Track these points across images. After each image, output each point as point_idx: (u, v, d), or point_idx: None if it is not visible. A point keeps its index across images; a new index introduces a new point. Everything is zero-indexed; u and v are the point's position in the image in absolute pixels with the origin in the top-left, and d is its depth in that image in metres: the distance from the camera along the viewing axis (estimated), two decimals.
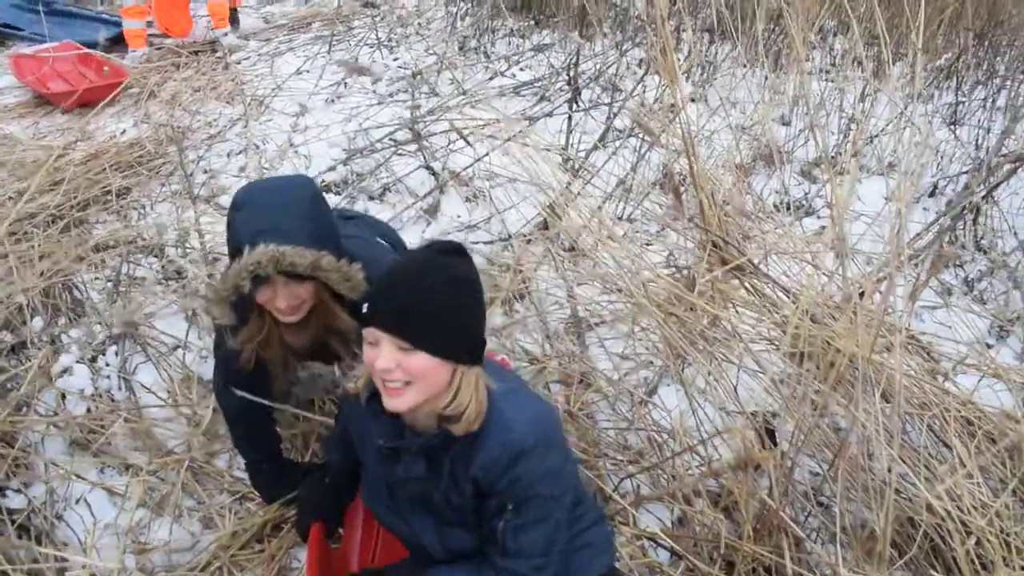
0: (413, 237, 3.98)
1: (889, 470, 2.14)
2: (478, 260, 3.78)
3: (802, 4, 3.69)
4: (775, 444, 2.58)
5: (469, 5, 6.97)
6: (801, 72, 3.66)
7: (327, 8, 7.55)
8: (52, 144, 4.71)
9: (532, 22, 6.91)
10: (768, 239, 3.52)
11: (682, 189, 3.59)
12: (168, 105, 5.42)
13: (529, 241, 3.95)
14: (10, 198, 4.00)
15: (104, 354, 3.19)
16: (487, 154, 4.29)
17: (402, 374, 1.68)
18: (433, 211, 4.20)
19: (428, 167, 4.49)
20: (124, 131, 5.03)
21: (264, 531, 2.56)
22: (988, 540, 2.21)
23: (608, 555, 2.09)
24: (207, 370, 3.11)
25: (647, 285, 3.03)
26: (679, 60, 3.65)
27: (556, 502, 1.84)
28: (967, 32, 5.43)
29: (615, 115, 4.60)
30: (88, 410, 2.95)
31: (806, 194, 4.51)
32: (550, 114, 4.94)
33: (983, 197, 4.02)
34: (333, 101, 5.49)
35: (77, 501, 2.61)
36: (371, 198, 4.32)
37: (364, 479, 2.11)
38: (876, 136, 4.83)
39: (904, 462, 2.35)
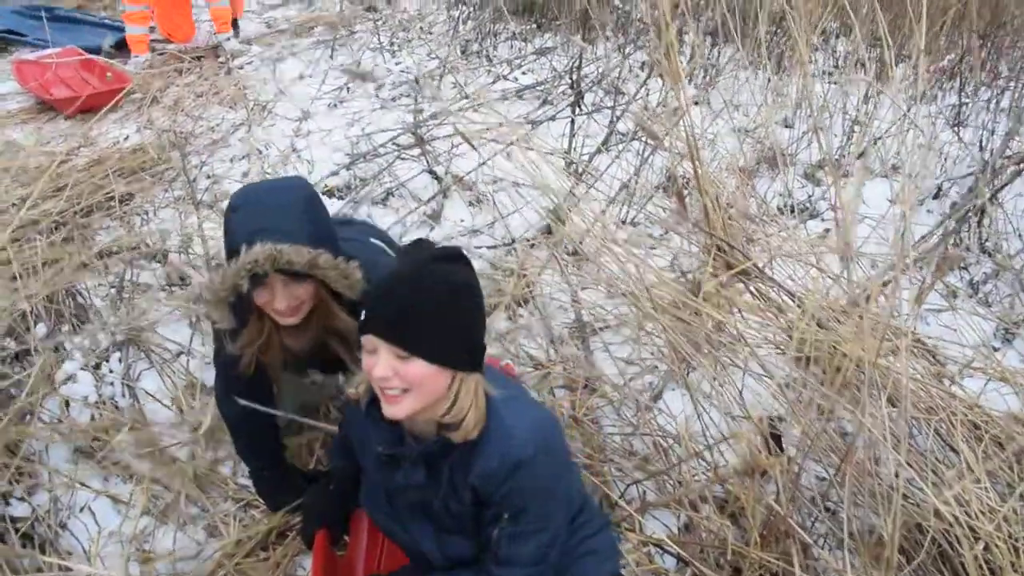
0: None
1: (896, 475, 2.13)
2: (482, 265, 3.78)
3: (805, 7, 3.68)
4: (781, 449, 2.57)
5: (471, 9, 6.97)
6: (804, 74, 3.65)
7: (329, 13, 7.56)
8: (55, 150, 4.71)
9: (534, 25, 6.91)
10: (772, 242, 3.51)
11: (685, 193, 3.58)
12: (171, 110, 5.42)
13: (533, 245, 3.94)
14: (13, 204, 4.00)
15: (108, 361, 3.19)
16: (489, 160, 4.28)
17: (400, 381, 1.67)
18: (436, 216, 4.19)
19: (431, 171, 4.48)
20: (127, 137, 5.03)
21: (269, 539, 2.55)
22: (996, 545, 2.20)
23: (613, 561, 2.08)
24: (210, 376, 3.10)
25: (651, 289, 3.02)
26: (682, 63, 3.65)
27: (552, 512, 1.83)
28: (971, 33, 5.41)
29: (618, 119, 4.59)
30: (92, 417, 2.94)
31: (810, 197, 4.50)
32: (553, 118, 4.93)
33: (989, 199, 4.01)
34: (336, 106, 5.49)
35: (81, 509, 2.61)
36: (374, 203, 4.32)
37: (363, 485, 2.10)
38: (880, 138, 4.82)
39: (911, 467, 2.34)
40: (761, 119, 5.02)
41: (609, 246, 3.34)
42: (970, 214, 3.99)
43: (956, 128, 5.05)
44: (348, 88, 5.76)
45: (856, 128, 4.90)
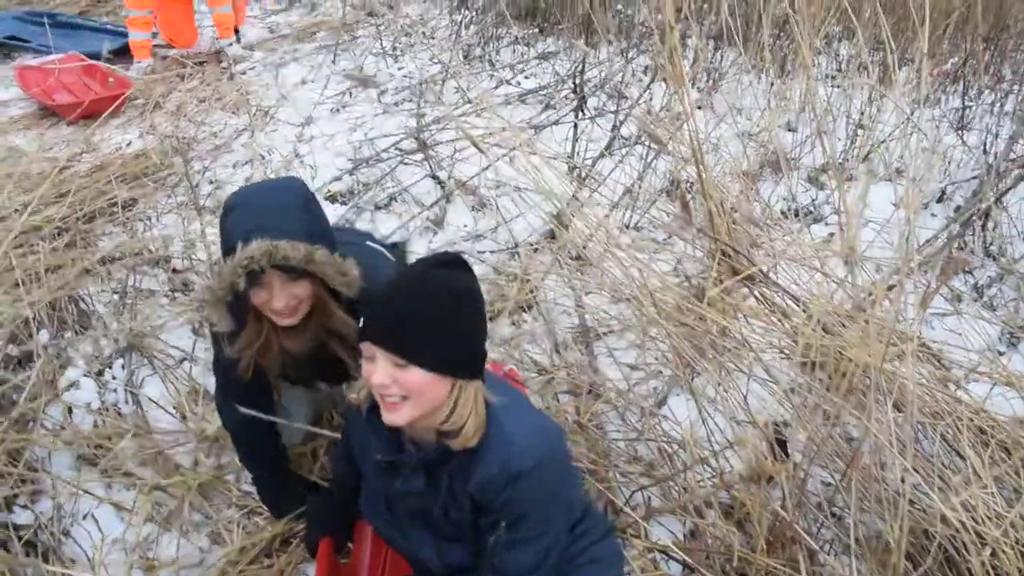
0: (420, 247, 3.98)
1: (902, 480, 2.12)
2: (485, 270, 3.77)
3: (808, 10, 3.68)
4: (787, 455, 2.56)
5: (473, 14, 6.97)
6: (808, 78, 3.64)
7: (332, 18, 7.56)
8: (57, 156, 4.71)
9: (537, 30, 6.91)
10: (776, 246, 3.50)
11: (689, 196, 3.57)
12: (173, 116, 5.42)
13: (536, 250, 3.93)
14: (16, 210, 3.99)
15: (111, 367, 3.18)
16: (492, 164, 4.27)
17: (398, 389, 1.66)
18: (439, 221, 4.19)
19: (434, 177, 4.48)
20: (130, 142, 5.03)
21: (273, 546, 2.53)
22: (1003, 551, 2.19)
23: (617, 568, 2.07)
24: (213, 382, 3.10)
25: (655, 295, 3.01)
26: (685, 67, 3.64)
27: (552, 520, 1.82)
28: (975, 37, 5.40)
29: (621, 123, 4.58)
30: (95, 424, 2.94)
31: (813, 200, 4.49)
32: (556, 122, 4.93)
33: (995, 201, 4.00)
34: (338, 111, 5.49)
35: (84, 517, 2.60)
36: (377, 208, 4.31)
37: (363, 491, 2.09)
38: (883, 142, 4.81)
39: (917, 472, 2.33)
40: (764, 123, 5.01)
41: (613, 251, 3.34)
42: (974, 218, 3.98)
43: (960, 132, 5.04)
44: (351, 93, 5.76)
45: (860, 132, 4.89)
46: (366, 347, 1.68)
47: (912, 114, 4.22)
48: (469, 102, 5.27)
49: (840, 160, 4.74)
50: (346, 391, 2.73)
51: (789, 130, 5.15)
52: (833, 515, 2.49)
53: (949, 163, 4.76)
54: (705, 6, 6.09)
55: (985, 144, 4.75)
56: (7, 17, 6.93)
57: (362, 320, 1.70)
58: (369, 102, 5.63)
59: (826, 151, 4.36)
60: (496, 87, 5.80)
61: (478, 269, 2.38)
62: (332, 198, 4.40)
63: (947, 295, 3.74)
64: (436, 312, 1.66)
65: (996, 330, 3.55)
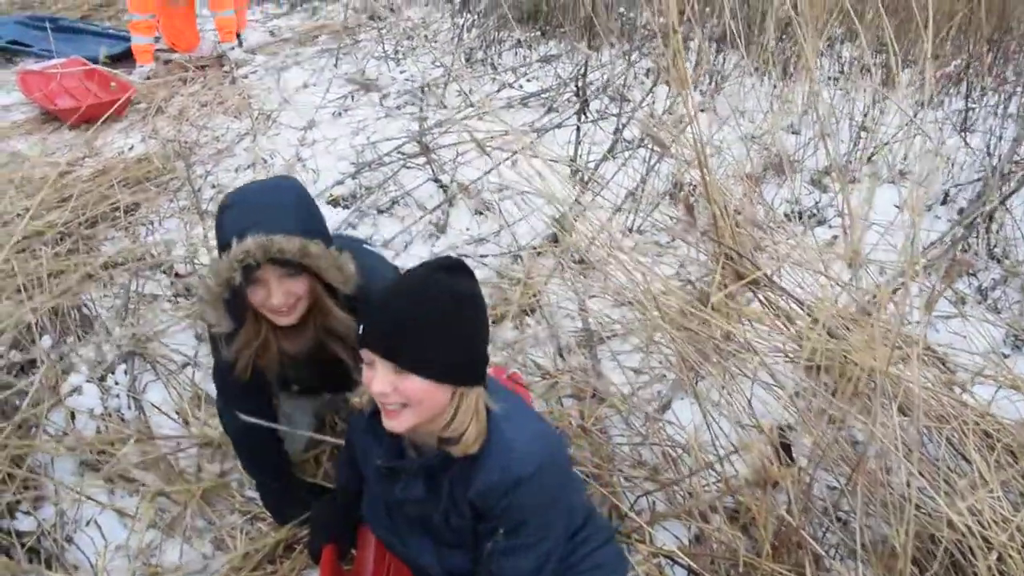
0: (423, 251, 3.97)
1: (908, 485, 2.11)
2: (488, 273, 3.76)
3: (811, 13, 3.67)
4: (791, 459, 2.55)
5: (475, 17, 6.97)
6: (811, 80, 3.64)
7: (334, 21, 7.56)
8: (59, 160, 4.71)
9: (539, 33, 6.91)
10: (780, 250, 3.49)
11: (692, 200, 3.57)
12: (175, 120, 5.42)
13: (539, 254, 3.93)
14: (18, 215, 3.99)
15: (113, 373, 3.18)
16: (494, 168, 4.27)
17: (398, 397, 1.65)
18: (442, 225, 4.18)
19: (437, 180, 4.47)
20: (132, 147, 5.03)
21: (276, 552, 2.53)
22: (1010, 556, 2.18)
23: (620, 573, 2.07)
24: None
25: (659, 298, 3.00)
26: (688, 69, 3.64)
27: (550, 527, 1.81)
28: (979, 38, 5.39)
29: (624, 126, 4.58)
30: (98, 430, 2.93)
31: (817, 203, 4.48)
32: (559, 125, 4.92)
33: (1000, 203, 3.99)
34: (340, 114, 5.49)
35: (87, 523, 2.59)
36: (380, 212, 4.31)
37: (364, 497, 2.09)
38: (887, 144, 4.80)
39: (923, 476, 2.32)
40: (767, 125, 5.00)
41: (616, 254, 3.33)
42: (978, 220, 3.97)
43: (963, 133, 5.02)
44: (353, 97, 5.75)
45: (863, 134, 4.88)
46: (366, 353, 1.67)
47: (915, 116, 4.21)
48: (471, 105, 5.27)
49: (843, 162, 4.73)
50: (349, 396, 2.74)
51: (791, 132, 5.14)
52: (839, 520, 2.48)
53: (952, 165, 4.75)
54: (707, 9, 6.07)
55: (989, 146, 4.74)
56: (9, 22, 6.94)
57: (361, 326, 1.69)
58: (371, 106, 5.62)
59: (829, 153, 4.35)
60: (498, 90, 5.79)
61: (481, 273, 2.38)
62: (334, 202, 4.39)
63: (951, 298, 3.73)
64: (437, 318, 1.64)
65: (1001, 333, 3.54)
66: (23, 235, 3.76)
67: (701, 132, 2.98)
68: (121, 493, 2.71)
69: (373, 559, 2.30)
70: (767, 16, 4.86)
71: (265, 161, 4.80)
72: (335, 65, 6.34)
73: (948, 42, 5.64)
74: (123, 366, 3.20)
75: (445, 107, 5.43)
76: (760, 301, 3.02)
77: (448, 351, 1.65)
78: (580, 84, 5.00)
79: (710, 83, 5.71)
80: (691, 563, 2.40)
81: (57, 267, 3.68)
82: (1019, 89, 5.41)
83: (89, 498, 2.65)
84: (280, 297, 2.02)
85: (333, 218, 4.17)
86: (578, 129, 4.62)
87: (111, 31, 7.11)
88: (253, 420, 2.26)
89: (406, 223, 4.17)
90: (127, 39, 6.46)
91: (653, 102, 4.82)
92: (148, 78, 6.17)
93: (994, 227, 4.10)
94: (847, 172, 4.63)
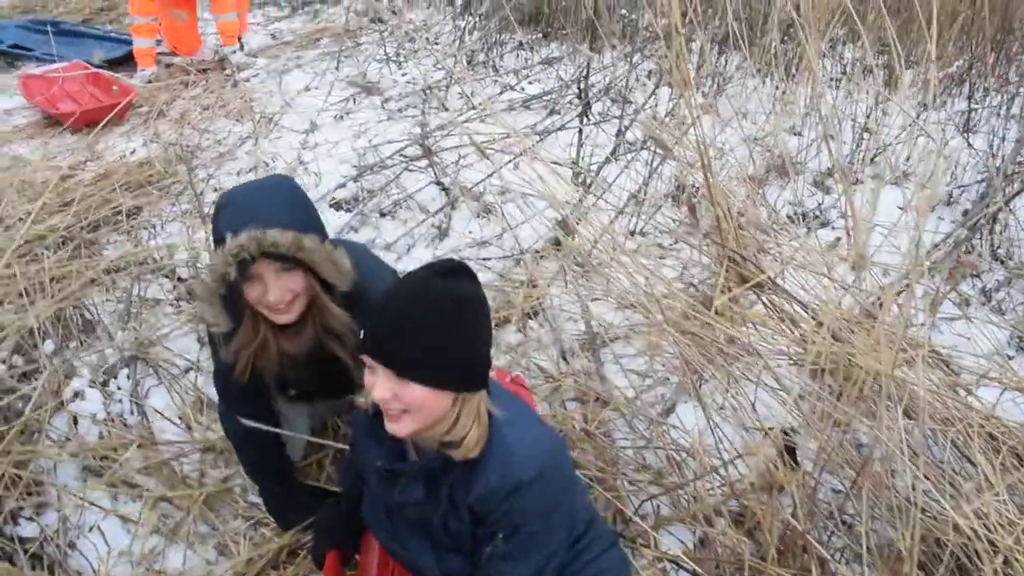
0: (425, 254, 3.97)
1: (913, 488, 2.10)
2: (490, 277, 3.75)
3: (813, 14, 3.66)
4: (796, 462, 2.54)
5: (477, 19, 6.97)
6: (814, 82, 3.63)
7: (335, 24, 7.56)
8: (61, 165, 4.71)
9: (541, 35, 6.90)
10: (784, 252, 3.48)
11: (695, 201, 3.56)
12: (177, 124, 5.42)
13: (542, 257, 3.92)
14: (20, 219, 3.99)
15: (116, 377, 3.17)
16: (496, 171, 4.26)
17: (399, 404, 1.63)
18: (444, 228, 4.17)
19: (439, 183, 4.47)
20: (134, 151, 5.03)
21: (280, 557, 2.52)
22: (1016, 559, 2.17)
23: None
24: None
25: (661, 301, 2.99)
26: (690, 71, 3.62)
27: (551, 533, 1.79)
28: (982, 39, 5.38)
29: (626, 128, 4.57)
30: (100, 435, 2.93)
31: (820, 205, 4.47)
32: (561, 128, 4.91)
33: (1004, 205, 3.98)
34: (342, 117, 5.48)
35: (90, 529, 2.59)
36: (382, 215, 4.31)
37: (365, 499, 2.08)
38: (889, 145, 4.79)
39: (928, 480, 2.31)
40: (770, 127, 4.99)
41: (618, 257, 3.32)
42: (982, 221, 3.96)
43: (966, 134, 5.02)
44: (354, 100, 5.75)
45: (866, 135, 4.87)
46: (366, 358, 1.66)
47: (918, 117, 4.21)
48: (473, 108, 5.26)
49: (846, 164, 4.72)
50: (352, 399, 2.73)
51: (795, 134, 5.13)
52: (844, 523, 2.47)
53: (955, 166, 4.74)
54: (710, 10, 6.06)
55: (992, 147, 4.73)
56: (10, 26, 6.94)
57: (362, 332, 1.68)
58: (373, 109, 5.62)
59: (832, 155, 4.35)
60: (500, 93, 5.78)
61: (483, 276, 2.37)
62: (336, 205, 4.39)
63: (955, 299, 3.72)
64: (436, 323, 1.61)
65: (1005, 334, 3.53)
66: (25, 239, 3.76)
67: (704, 134, 2.97)
68: (124, 499, 2.70)
69: (377, 564, 2.29)
70: (769, 18, 4.85)
71: (267, 164, 4.80)
72: (337, 68, 6.34)
73: (951, 43, 5.63)
74: (125, 371, 3.20)
75: (447, 110, 5.43)
76: (764, 304, 3.01)
77: (449, 358, 1.63)
78: (582, 86, 4.99)
79: (712, 85, 5.70)
80: (696, 568, 2.39)
81: (59, 272, 3.68)
82: (1022, 90, 5.41)
83: (92, 504, 2.64)
84: (277, 293, 2.01)
85: (335, 221, 4.17)
86: (580, 131, 4.61)
87: (113, 35, 7.12)
88: (254, 424, 2.25)
89: (408, 226, 4.17)
90: (128, 43, 6.46)
91: (655, 104, 4.81)
92: (150, 82, 6.17)
93: (998, 228, 4.09)
94: (850, 173, 4.63)
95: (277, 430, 2.42)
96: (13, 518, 2.56)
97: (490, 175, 4.31)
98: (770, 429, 2.69)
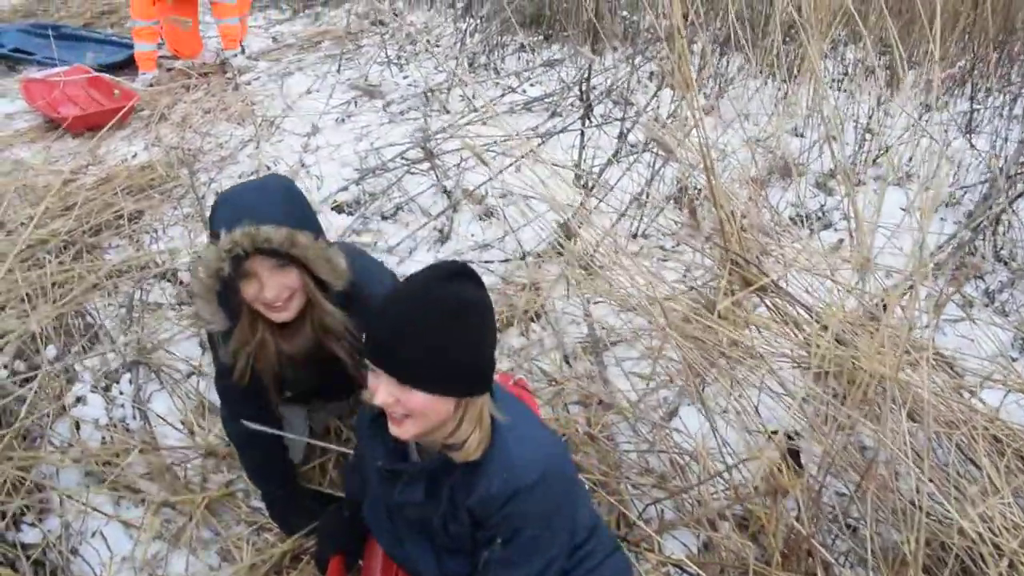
0: (427, 257, 3.96)
1: (918, 491, 2.10)
2: (493, 279, 3.75)
3: (815, 15, 3.66)
4: (800, 466, 2.54)
5: (478, 21, 6.96)
6: (816, 83, 3.62)
7: (336, 27, 7.55)
8: (63, 169, 4.70)
9: (542, 37, 6.90)
10: (787, 254, 3.48)
11: (697, 203, 3.55)
12: (179, 127, 5.41)
13: (544, 260, 3.91)
14: (21, 224, 3.98)
15: (118, 382, 3.17)
16: (498, 173, 4.26)
17: (401, 408, 1.63)
18: (447, 231, 4.17)
19: (441, 186, 4.47)
20: (135, 154, 5.02)
21: (283, 563, 2.51)
22: (1022, 563, 2.16)
23: None
24: None
25: (664, 304, 2.99)
26: (692, 73, 3.61)
27: (549, 540, 1.78)
28: (985, 40, 5.38)
29: (628, 130, 4.57)
30: (103, 440, 2.92)
31: (822, 206, 4.47)
32: (563, 130, 4.91)
33: (1008, 206, 3.97)
34: (344, 120, 5.48)
35: (93, 534, 2.58)
36: (384, 218, 4.30)
37: (367, 499, 2.07)
38: (892, 146, 4.78)
39: (933, 483, 2.31)
40: (772, 129, 4.99)
41: (620, 260, 3.32)
42: (985, 222, 3.96)
43: (968, 135, 5.01)
44: (356, 103, 5.75)
45: (868, 136, 4.87)
46: (369, 362, 1.66)
47: (920, 118, 4.20)
48: (475, 110, 5.26)
49: (849, 165, 4.71)
50: (351, 403, 2.73)
51: (797, 135, 5.13)
52: (848, 527, 2.47)
53: (958, 167, 4.73)
54: (711, 12, 6.06)
55: (995, 148, 4.73)
56: (12, 30, 6.93)
57: (364, 336, 1.67)
58: (374, 111, 5.62)
59: (834, 156, 4.34)
60: (502, 95, 5.78)
61: (486, 279, 2.36)
62: (338, 208, 4.38)
63: (959, 301, 3.71)
64: (438, 327, 1.59)
65: (1008, 336, 3.52)
66: (27, 244, 3.75)
67: (706, 136, 2.97)
68: (126, 504, 2.69)
69: (380, 569, 2.29)
70: (771, 19, 4.84)
71: (269, 168, 4.79)
72: (338, 71, 6.34)
73: (953, 43, 5.63)
74: (128, 375, 3.19)
75: (448, 112, 5.42)
76: (767, 307, 3.00)
77: (451, 363, 1.61)
78: (584, 88, 4.98)
79: (714, 86, 5.69)
80: (700, 572, 2.38)
81: (61, 276, 3.67)
82: None
83: (95, 509, 2.63)
84: (273, 290, 2.02)
85: (337, 224, 4.17)
86: (582, 134, 4.60)
87: (114, 38, 7.10)
88: (256, 426, 2.25)
89: (410, 229, 4.17)
90: (130, 46, 6.45)
91: (657, 106, 4.81)
92: (151, 85, 6.16)
93: (1001, 229, 4.09)
94: (852, 175, 4.62)
95: (279, 432, 2.41)
96: (16, 524, 2.55)
97: (492, 178, 4.31)
98: (774, 433, 2.68)
